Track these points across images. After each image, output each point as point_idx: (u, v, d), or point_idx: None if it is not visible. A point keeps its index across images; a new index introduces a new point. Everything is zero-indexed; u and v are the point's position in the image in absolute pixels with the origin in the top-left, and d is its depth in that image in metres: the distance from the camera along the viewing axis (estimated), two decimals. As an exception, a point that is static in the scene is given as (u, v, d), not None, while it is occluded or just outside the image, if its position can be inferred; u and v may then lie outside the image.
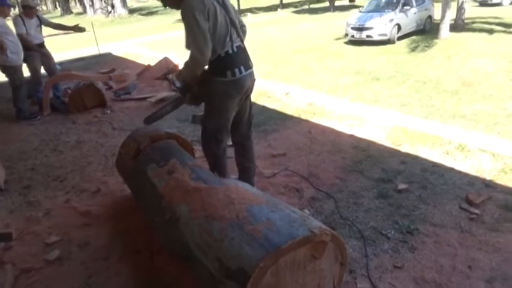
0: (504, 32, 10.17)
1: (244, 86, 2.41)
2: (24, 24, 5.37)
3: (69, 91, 5.71)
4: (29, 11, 5.44)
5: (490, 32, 10.30)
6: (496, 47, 8.72)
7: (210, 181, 2.03)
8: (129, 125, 4.82)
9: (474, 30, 10.85)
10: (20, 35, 5.29)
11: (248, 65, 2.44)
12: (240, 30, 2.45)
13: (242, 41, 2.47)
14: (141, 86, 6.72)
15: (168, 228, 1.99)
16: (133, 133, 2.84)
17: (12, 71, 5.08)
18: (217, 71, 2.36)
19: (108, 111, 5.46)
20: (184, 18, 2.19)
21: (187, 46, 2.23)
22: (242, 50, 2.43)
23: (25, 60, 5.37)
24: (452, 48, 9.12)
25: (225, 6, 2.33)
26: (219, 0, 2.30)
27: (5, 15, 5.16)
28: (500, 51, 8.35)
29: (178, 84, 2.45)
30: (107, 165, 3.66)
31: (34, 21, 5.53)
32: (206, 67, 2.38)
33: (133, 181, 2.66)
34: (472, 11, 14.88)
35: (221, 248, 1.58)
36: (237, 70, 2.34)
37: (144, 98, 5.91)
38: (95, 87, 5.64)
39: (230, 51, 2.33)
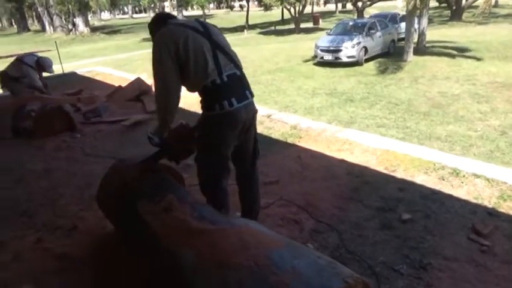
0: (462, 56, 10.75)
1: (237, 120, 2.16)
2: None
3: (34, 114, 5.29)
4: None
5: (450, 55, 10.86)
6: (457, 70, 9.17)
7: (217, 221, 1.82)
8: (102, 151, 4.50)
9: (435, 53, 11.41)
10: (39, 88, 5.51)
11: (243, 96, 2.18)
12: (235, 56, 2.26)
13: (238, 68, 2.23)
14: (113, 108, 6.38)
15: (169, 276, 1.76)
16: (118, 163, 2.58)
17: None
18: (205, 105, 2.17)
19: (78, 136, 5.10)
20: (152, 52, 2.11)
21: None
22: (236, 79, 2.19)
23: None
24: (418, 70, 9.49)
25: (206, 31, 2.16)
26: (198, 27, 2.15)
27: None
28: (462, 74, 8.77)
29: (155, 140, 2.26)
30: (82, 198, 3.32)
31: None
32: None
33: (118, 218, 2.39)
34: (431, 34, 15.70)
35: (242, 304, 1.37)
36: (226, 103, 2.09)
37: (117, 121, 5.59)
38: (63, 109, 5.28)
39: (218, 81, 2.09)
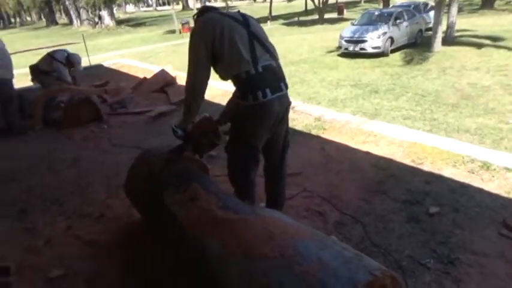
0: (494, 46, 10.31)
1: (270, 111, 2.13)
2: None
3: (63, 105, 5.45)
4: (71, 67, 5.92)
5: (481, 45, 10.44)
6: (488, 61, 8.80)
7: (242, 211, 1.82)
8: (128, 141, 4.59)
9: (464, 43, 10.99)
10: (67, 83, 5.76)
11: (277, 88, 2.13)
12: (273, 48, 2.23)
13: (275, 59, 2.21)
14: (137, 100, 6.49)
15: (195, 266, 1.78)
16: (144, 154, 2.63)
17: None
18: (240, 94, 2.15)
19: (105, 126, 5.23)
20: (189, 38, 2.13)
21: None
22: (272, 70, 2.15)
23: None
24: (446, 61, 9.18)
25: (245, 21, 2.16)
26: (237, 17, 2.15)
27: None
28: (492, 64, 8.42)
29: (179, 132, 2.27)
30: (110, 186, 3.41)
31: None
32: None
33: (145, 208, 2.44)
34: (461, 23, 15.15)
35: (268, 294, 1.38)
36: (260, 93, 2.06)
37: (142, 112, 5.69)
38: (90, 101, 5.41)
39: (253, 72, 2.07)
